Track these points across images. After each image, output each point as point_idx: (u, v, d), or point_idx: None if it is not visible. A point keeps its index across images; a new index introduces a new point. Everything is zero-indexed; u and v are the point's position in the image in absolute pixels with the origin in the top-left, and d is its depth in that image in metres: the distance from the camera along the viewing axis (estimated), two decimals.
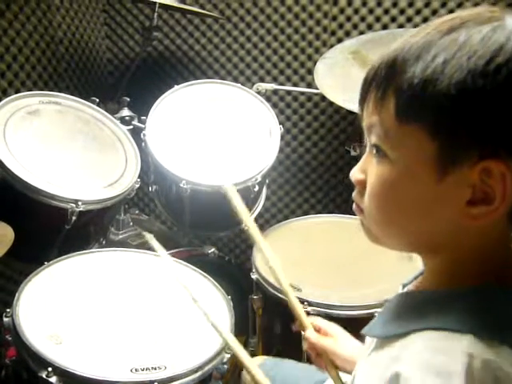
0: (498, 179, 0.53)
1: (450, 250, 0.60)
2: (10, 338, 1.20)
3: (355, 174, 0.65)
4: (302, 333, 1.02)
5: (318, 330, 1.02)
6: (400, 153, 0.58)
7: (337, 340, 1.00)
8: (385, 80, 0.58)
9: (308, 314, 1.06)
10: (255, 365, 0.91)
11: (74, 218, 1.51)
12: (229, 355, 1.25)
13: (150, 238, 1.13)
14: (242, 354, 0.93)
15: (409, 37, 0.58)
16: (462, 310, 0.56)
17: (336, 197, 2.44)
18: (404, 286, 0.72)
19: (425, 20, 2.10)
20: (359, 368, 0.70)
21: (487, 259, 0.59)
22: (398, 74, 0.56)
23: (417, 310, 0.61)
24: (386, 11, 2.14)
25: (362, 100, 0.62)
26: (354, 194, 0.66)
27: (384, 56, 0.59)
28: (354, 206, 0.67)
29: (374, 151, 0.61)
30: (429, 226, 0.60)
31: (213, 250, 1.94)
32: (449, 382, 0.52)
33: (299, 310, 1.04)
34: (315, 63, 2.01)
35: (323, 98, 2.21)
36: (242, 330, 1.69)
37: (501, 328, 0.55)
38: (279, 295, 1.49)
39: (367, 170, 0.63)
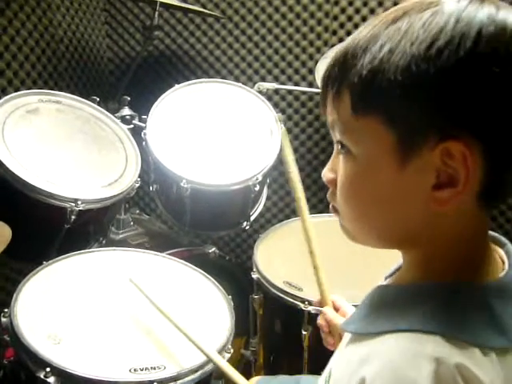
0: (460, 160, 0.53)
1: (423, 243, 0.60)
2: (7, 338, 1.19)
3: (326, 173, 0.66)
4: (319, 309, 1.10)
5: (337, 309, 1.06)
6: (361, 146, 0.59)
7: None
8: (338, 77, 0.59)
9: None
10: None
11: (73, 217, 1.50)
12: (229, 355, 1.25)
13: None
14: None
15: (358, 32, 0.59)
16: (431, 308, 0.56)
17: None
18: (386, 277, 0.72)
19: None
20: (335, 360, 0.70)
21: (460, 252, 0.59)
22: (349, 68, 0.57)
23: (390, 307, 0.61)
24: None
25: (323, 99, 0.62)
26: (328, 194, 0.66)
27: (336, 53, 0.60)
28: (330, 206, 0.67)
29: (339, 148, 0.62)
30: (400, 217, 0.60)
31: (213, 249, 1.94)
32: None
33: (324, 285, 1.12)
34: (316, 62, 2.00)
35: None
36: (242, 329, 1.68)
37: (470, 329, 0.55)
38: (280, 295, 1.48)
39: (337, 169, 0.63)
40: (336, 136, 0.62)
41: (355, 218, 0.63)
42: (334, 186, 0.64)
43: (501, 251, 0.64)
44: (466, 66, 0.52)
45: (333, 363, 0.70)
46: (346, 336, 0.68)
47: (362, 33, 0.58)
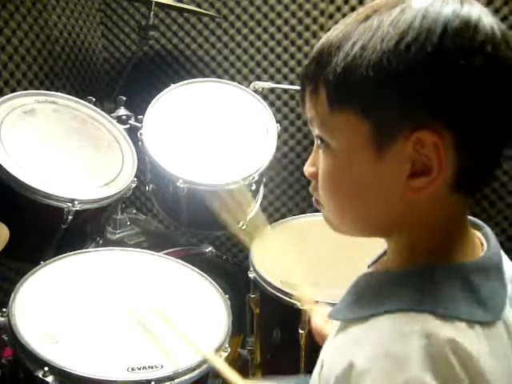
0: (432, 148, 0.56)
1: (403, 230, 0.63)
2: (6, 338, 1.20)
3: (307, 167, 0.69)
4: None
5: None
6: (338, 140, 0.61)
7: None
8: (314, 74, 0.61)
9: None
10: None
11: (70, 217, 1.50)
12: (226, 354, 1.25)
13: None
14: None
15: (332, 30, 0.62)
16: (416, 290, 0.58)
17: None
18: (369, 266, 0.74)
19: None
20: (326, 351, 0.71)
21: (439, 237, 0.61)
22: (324, 66, 0.60)
23: (376, 291, 0.63)
24: None
25: (302, 97, 0.65)
26: (310, 188, 0.69)
27: (312, 52, 0.63)
28: (313, 199, 0.70)
29: (319, 142, 0.65)
30: (379, 207, 0.62)
31: (210, 248, 1.94)
32: (406, 369, 0.53)
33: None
34: None
35: None
36: (239, 329, 1.69)
37: (455, 306, 0.57)
38: (277, 294, 1.49)
39: (317, 163, 0.66)
40: (315, 131, 0.64)
41: (337, 209, 0.66)
42: (316, 179, 0.66)
43: (479, 234, 0.67)
44: (433, 60, 0.54)
45: (323, 354, 0.71)
46: (335, 326, 0.70)
47: (334, 31, 0.61)
